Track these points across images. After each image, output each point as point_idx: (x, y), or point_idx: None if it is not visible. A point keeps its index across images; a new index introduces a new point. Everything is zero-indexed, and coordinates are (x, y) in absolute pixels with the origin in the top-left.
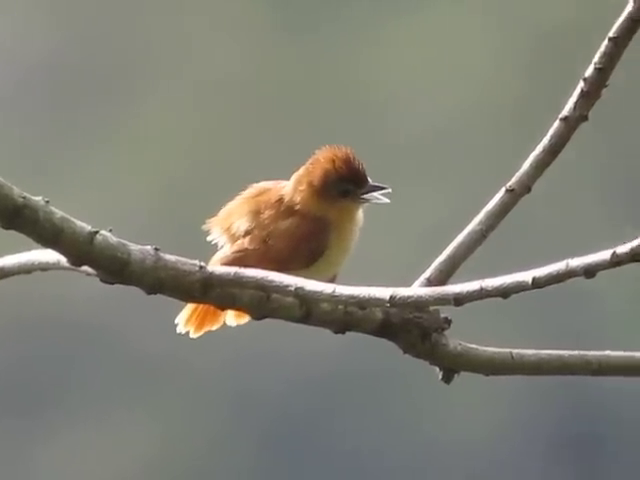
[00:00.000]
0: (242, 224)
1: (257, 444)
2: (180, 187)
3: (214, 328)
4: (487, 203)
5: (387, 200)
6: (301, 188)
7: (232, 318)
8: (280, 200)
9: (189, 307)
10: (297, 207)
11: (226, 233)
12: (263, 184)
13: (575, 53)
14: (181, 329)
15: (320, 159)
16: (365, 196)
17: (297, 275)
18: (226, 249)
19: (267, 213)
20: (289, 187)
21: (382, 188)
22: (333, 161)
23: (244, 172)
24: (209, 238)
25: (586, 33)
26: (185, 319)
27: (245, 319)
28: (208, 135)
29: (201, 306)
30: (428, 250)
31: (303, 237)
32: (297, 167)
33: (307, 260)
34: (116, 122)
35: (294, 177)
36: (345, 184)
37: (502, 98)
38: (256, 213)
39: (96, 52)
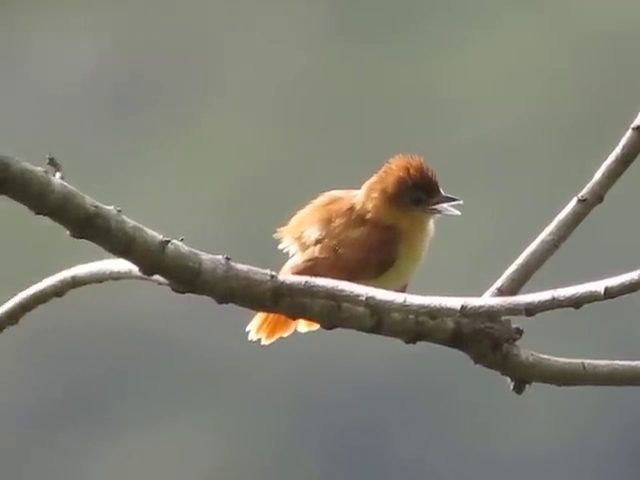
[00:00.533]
0: (313, 233)
1: (322, 452)
2: (250, 195)
3: (285, 335)
4: (557, 212)
5: (458, 212)
6: (374, 195)
7: (303, 325)
8: (351, 209)
9: (260, 315)
10: (368, 215)
11: (297, 241)
12: (334, 192)
13: None
14: (253, 337)
15: (394, 167)
16: (436, 207)
17: (367, 285)
18: (297, 258)
19: (338, 222)
20: (361, 195)
21: (454, 199)
22: (407, 169)
23: (314, 180)
24: (280, 246)
25: None
26: (257, 327)
27: (316, 326)
28: (278, 142)
29: (272, 314)
30: (499, 260)
31: (373, 247)
32: (367, 174)
33: (377, 270)
34: (183, 129)
35: (366, 185)
36: (418, 193)
37: (572, 107)
38: (327, 222)
39: (162, 56)
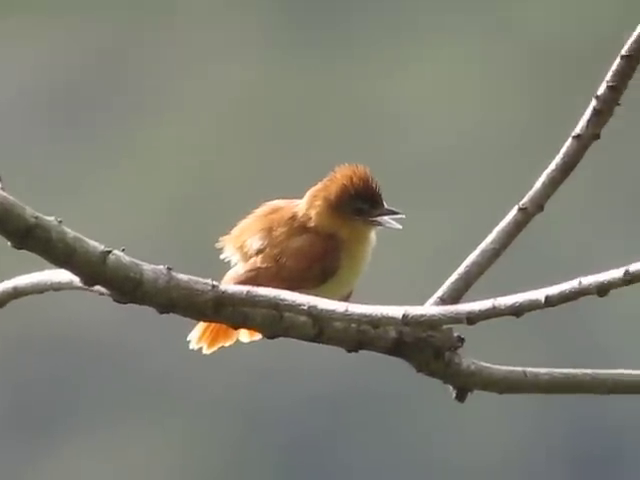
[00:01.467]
0: (254, 242)
1: (268, 461)
2: (193, 205)
3: (227, 344)
4: (499, 222)
5: (399, 226)
6: (317, 203)
7: (245, 334)
8: (293, 217)
9: (202, 324)
10: (310, 223)
11: (239, 251)
12: (276, 202)
13: (589, 71)
14: (194, 346)
15: (338, 176)
16: (378, 219)
17: (309, 294)
18: (239, 267)
19: (279, 230)
20: (303, 203)
21: (396, 213)
22: (351, 178)
23: (257, 190)
24: (222, 256)
25: (600, 51)
26: (198, 336)
27: (258, 335)
28: (220, 154)
29: (214, 323)
30: (441, 269)
31: (315, 256)
32: (309, 185)
33: (319, 279)
34: (127, 143)
35: (309, 192)
36: (360, 202)
37: (514, 117)
38: (268, 231)
39: (110, 73)
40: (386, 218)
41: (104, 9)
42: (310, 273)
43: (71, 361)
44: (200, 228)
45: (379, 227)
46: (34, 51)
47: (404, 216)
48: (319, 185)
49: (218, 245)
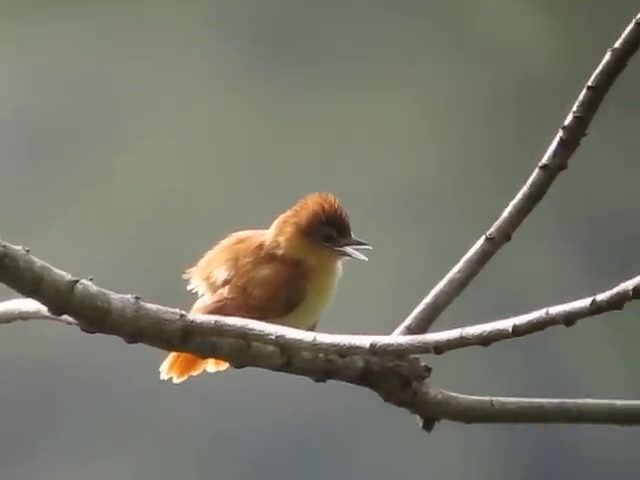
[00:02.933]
0: (221, 273)
1: None
2: (160, 235)
3: (196, 374)
4: (467, 251)
5: (365, 258)
6: (287, 229)
7: (212, 364)
8: (259, 247)
9: (172, 354)
10: (278, 250)
11: (206, 282)
12: (243, 232)
13: (555, 102)
14: (164, 376)
15: (309, 202)
16: (345, 249)
17: (276, 324)
18: (206, 298)
19: (245, 260)
20: (271, 230)
21: (362, 244)
22: (322, 205)
23: (225, 221)
24: (189, 287)
25: (568, 82)
26: (168, 366)
27: (224, 365)
28: (189, 184)
29: (183, 353)
30: (409, 298)
31: (281, 283)
32: (276, 216)
33: (285, 307)
34: (94, 173)
35: (278, 219)
36: (330, 229)
37: (481, 147)
38: (235, 261)
39: (75, 103)
40: (350, 249)
41: (73, 36)
42: (276, 301)
43: (39, 386)
44: (168, 258)
45: (345, 257)
46: (9, 83)
47: (370, 247)
48: (289, 212)
49: (185, 276)
